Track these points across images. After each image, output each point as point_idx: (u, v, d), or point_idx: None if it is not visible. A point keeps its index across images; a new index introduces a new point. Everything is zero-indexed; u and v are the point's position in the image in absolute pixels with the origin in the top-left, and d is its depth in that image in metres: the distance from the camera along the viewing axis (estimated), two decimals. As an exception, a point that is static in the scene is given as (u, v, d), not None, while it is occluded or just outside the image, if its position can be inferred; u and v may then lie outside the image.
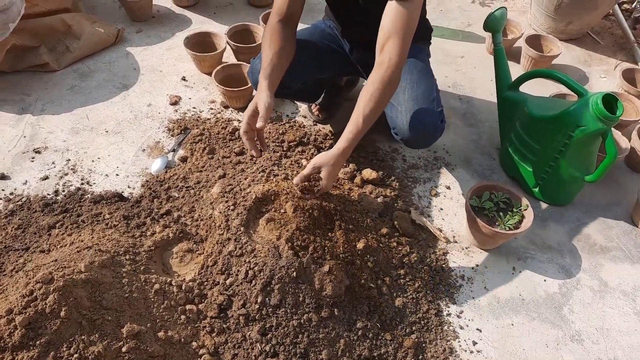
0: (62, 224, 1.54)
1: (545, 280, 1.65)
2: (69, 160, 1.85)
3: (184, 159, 1.87)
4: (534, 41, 2.45)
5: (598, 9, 2.50)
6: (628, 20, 2.73)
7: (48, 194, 1.71)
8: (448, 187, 1.90)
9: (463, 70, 2.47)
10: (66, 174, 1.79)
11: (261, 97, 1.37)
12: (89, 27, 2.27)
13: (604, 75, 2.51)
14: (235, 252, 1.38)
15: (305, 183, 1.42)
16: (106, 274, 1.26)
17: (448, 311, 1.53)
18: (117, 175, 1.81)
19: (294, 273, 1.33)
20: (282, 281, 1.33)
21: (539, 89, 2.24)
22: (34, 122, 1.98)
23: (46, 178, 1.77)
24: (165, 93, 2.16)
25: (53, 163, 1.83)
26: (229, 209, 1.47)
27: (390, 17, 1.34)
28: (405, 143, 1.66)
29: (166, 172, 1.81)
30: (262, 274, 1.34)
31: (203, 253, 1.45)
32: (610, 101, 1.58)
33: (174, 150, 1.91)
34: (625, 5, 2.92)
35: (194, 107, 2.11)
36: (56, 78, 2.17)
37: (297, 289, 1.34)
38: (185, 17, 2.63)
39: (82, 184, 1.76)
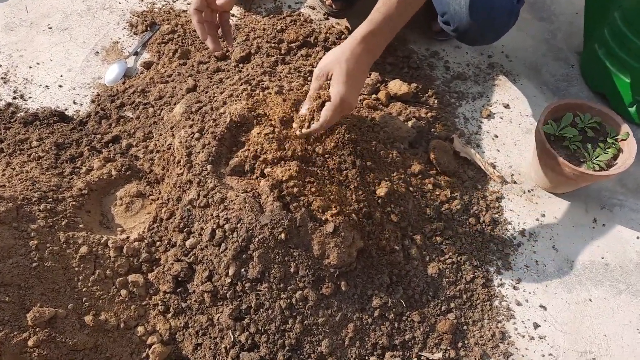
0: (-26, 154, 1.13)
1: (638, 238, 1.19)
2: (0, 66, 1.40)
3: (148, 65, 1.40)
4: None
5: None
6: None
7: (-31, 112, 1.29)
8: (506, 106, 1.39)
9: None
10: (-5, 85, 1.35)
11: None
12: None
13: None
14: (198, 202, 0.95)
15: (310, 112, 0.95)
16: (3, 234, 0.86)
17: (500, 280, 1.11)
18: (60, 86, 1.36)
19: (282, 234, 0.91)
20: (265, 245, 0.91)
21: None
22: (-43, 15, 1.51)
23: (-32, 90, 1.34)
24: (130, -24, 1.63)
25: (-21, 70, 1.39)
26: (192, 138, 1.02)
27: None
28: (459, 36, 1.15)
29: (124, 82, 1.35)
30: (235, 234, 0.92)
31: (158, 199, 1.03)
32: None
33: (136, 54, 1.43)
34: None
35: (166, -5, 1.59)
36: (-11, -44, 1.66)
37: (287, 257, 0.92)
38: None
39: (15, 98, 1.32)
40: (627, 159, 1.09)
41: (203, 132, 1.03)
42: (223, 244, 0.92)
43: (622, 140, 1.12)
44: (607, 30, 1.31)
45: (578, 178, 1.10)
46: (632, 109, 1.32)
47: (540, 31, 1.56)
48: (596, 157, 1.10)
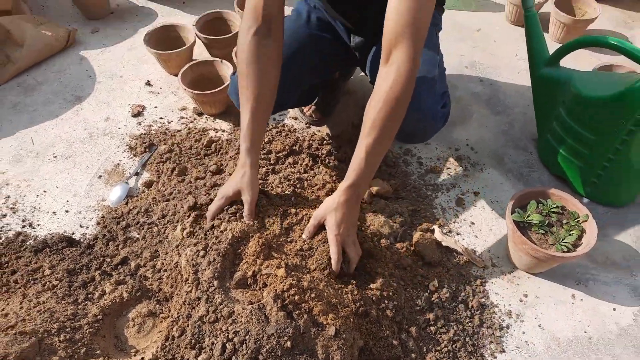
0: (-11, 287, 1.19)
1: (614, 310, 1.29)
2: (9, 197, 1.50)
3: (149, 184, 1.52)
4: (564, 4, 2.05)
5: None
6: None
7: (-19, 244, 1.36)
8: (477, 194, 1.53)
9: (481, 46, 2.08)
10: (4, 216, 1.44)
11: (244, 183, 1.16)
12: (32, 30, 1.90)
13: (649, 38, 2.11)
14: (208, 318, 1.03)
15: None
16: (26, 370, 0.91)
17: (495, 363, 1.18)
18: (66, 211, 1.46)
19: (288, 342, 0.98)
20: (273, 355, 0.98)
21: (574, 62, 1.85)
22: (-33, 151, 1.64)
23: (-21, 222, 1.43)
24: (127, 103, 1.80)
25: (-11, 202, 1.49)
26: (198, 255, 1.12)
27: (396, 7, 0.97)
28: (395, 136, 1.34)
29: (127, 202, 1.46)
30: (244, 346, 0.98)
31: (168, 317, 1.10)
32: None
33: (137, 174, 1.55)
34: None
35: (161, 118, 1.75)
36: (-4, 95, 1.82)
37: (294, 363, 0.99)
38: (150, 10, 2.26)
39: (24, 226, 1.41)
40: (591, 239, 1.21)
41: (207, 250, 1.13)
42: (234, 357, 0.98)
43: (584, 221, 1.26)
44: (557, 123, 1.50)
45: (549, 260, 1.22)
46: (589, 189, 1.48)
47: (498, 124, 1.75)
48: (563, 239, 1.22)
